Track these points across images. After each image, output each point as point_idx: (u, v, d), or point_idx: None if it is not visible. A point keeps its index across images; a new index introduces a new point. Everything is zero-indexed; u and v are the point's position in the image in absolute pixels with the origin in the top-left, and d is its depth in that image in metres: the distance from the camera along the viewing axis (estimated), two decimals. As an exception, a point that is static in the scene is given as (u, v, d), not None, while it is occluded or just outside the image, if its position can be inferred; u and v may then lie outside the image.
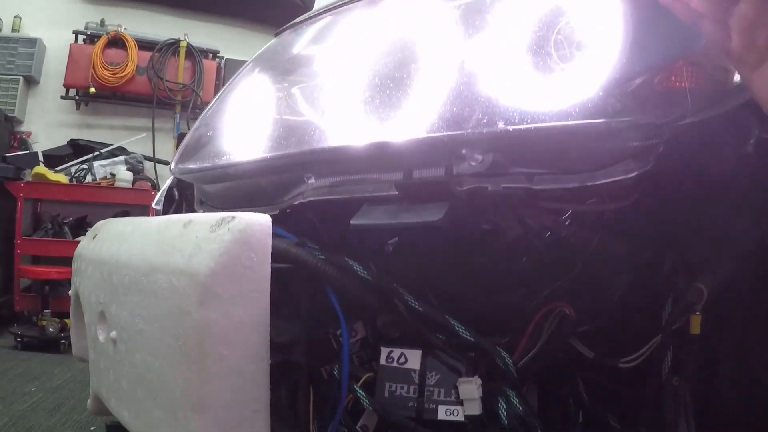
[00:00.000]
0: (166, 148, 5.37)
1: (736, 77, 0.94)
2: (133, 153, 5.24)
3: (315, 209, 1.17)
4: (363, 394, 1.07)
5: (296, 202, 1.12)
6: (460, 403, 1.09)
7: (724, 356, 1.25)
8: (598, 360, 1.20)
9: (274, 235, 1.01)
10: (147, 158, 5.29)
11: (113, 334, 1.19)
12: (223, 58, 5.78)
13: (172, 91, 5.43)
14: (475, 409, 1.08)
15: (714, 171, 1.00)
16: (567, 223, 1.37)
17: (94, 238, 1.48)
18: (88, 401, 1.48)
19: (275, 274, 0.98)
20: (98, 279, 1.30)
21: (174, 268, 0.98)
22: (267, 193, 1.19)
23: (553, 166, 0.98)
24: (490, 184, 0.98)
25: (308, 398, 1.10)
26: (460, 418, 1.09)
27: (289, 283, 1.08)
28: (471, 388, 1.07)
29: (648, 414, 1.30)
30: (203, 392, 0.94)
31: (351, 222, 1.00)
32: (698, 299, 1.15)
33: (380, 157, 1.04)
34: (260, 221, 0.95)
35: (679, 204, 1.12)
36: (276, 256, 1.00)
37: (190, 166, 1.36)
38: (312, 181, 1.12)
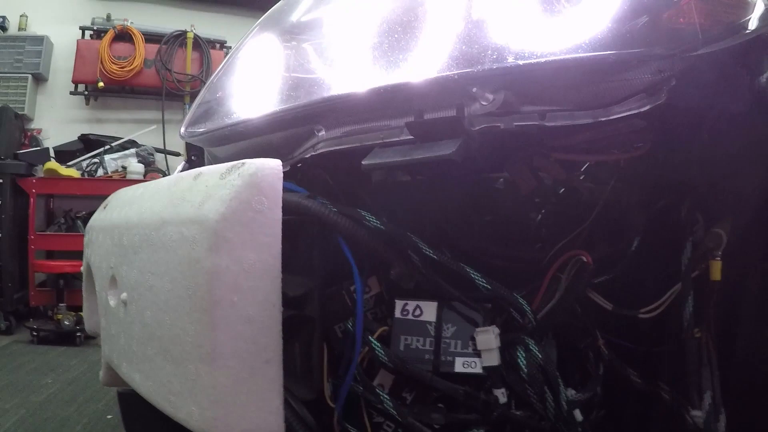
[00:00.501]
0: (176, 139, 5.34)
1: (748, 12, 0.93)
2: (144, 145, 5.24)
3: (326, 163, 1.15)
4: (378, 345, 1.05)
5: (307, 155, 1.10)
6: (477, 354, 1.07)
7: (745, 304, 1.22)
8: (617, 312, 1.18)
9: (285, 189, 1.00)
10: (158, 150, 5.29)
11: (124, 296, 1.17)
12: (230, 47, 5.76)
13: (181, 83, 5.42)
14: (493, 359, 1.06)
15: (728, 107, 0.98)
16: (582, 177, 1.36)
17: (105, 208, 1.47)
18: (100, 372, 1.47)
19: (286, 227, 0.97)
20: (109, 245, 1.29)
21: (184, 219, 0.97)
22: (277, 150, 1.17)
23: (565, 103, 0.96)
24: (503, 122, 0.96)
25: (322, 354, 1.08)
26: (478, 369, 1.07)
27: (301, 236, 1.06)
28: (489, 338, 1.05)
29: (668, 367, 1.28)
30: (214, 342, 0.92)
31: (363, 162, 0.97)
32: (717, 244, 1.14)
33: (390, 101, 1.02)
34: (271, 165, 0.93)
35: (694, 148, 1.10)
36: (287, 208, 0.99)
37: (200, 129, 1.35)
38: (322, 133, 1.10)
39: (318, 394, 1.09)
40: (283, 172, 0.98)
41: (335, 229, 1.04)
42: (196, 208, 0.94)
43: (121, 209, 1.29)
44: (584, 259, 1.12)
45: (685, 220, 1.15)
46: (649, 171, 1.21)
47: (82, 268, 1.62)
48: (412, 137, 0.99)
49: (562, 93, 0.97)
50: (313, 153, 1.09)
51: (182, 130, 1.42)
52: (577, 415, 1.15)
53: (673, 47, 0.89)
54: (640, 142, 1.11)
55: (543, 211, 1.32)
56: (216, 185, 0.94)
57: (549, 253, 1.17)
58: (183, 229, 0.96)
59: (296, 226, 1.03)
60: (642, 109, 0.93)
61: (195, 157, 1.62)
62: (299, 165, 1.12)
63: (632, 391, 1.30)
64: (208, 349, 0.92)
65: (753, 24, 0.91)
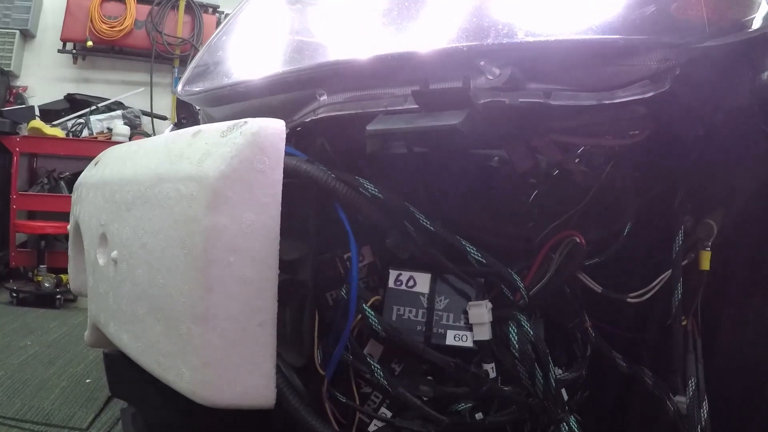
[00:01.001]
0: (163, 102, 5.30)
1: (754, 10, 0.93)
2: (131, 107, 5.18)
3: (325, 130, 1.14)
4: (372, 313, 1.05)
5: (308, 119, 1.09)
6: (469, 328, 1.08)
7: (732, 295, 1.24)
8: (605, 294, 1.19)
9: (285, 153, 0.99)
10: (145, 113, 5.22)
11: (114, 254, 1.16)
12: (222, 12, 5.68)
13: (171, 46, 5.35)
14: (484, 334, 1.06)
15: (728, 102, 0.98)
16: (577, 160, 1.36)
17: (96, 164, 1.45)
18: (86, 333, 1.46)
19: (283, 191, 0.96)
20: (100, 202, 1.27)
21: (182, 176, 0.95)
22: (277, 113, 1.16)
23: (570, 84, 0.97)
24: (508, 98, 0.95)
25: (313, 321, 1.07)
26: (469, 343, 1.07)
27: (298, 201, 1.05)
28: (481, 312, 1.05)
29: (652, 354, 1.29)
30: (207, 302, 0.91)
31: (368, 128, 0.97)
32: (708, 235, 1.15)
33: (396, 69, 1.01)
34: (274, 125, 0.92)
35: (692, 139, 1.11)
36: (286, 171, 0.98)
37: (198, 87, 1.33)
38: (324, 98, 1.09)
39: (308, 361, 1.08)
40: (282, 136, 0.97)
41: (333, 194, 1.03)
42: (195, 165, 0.93)
43: (113, 166, 1.27)
44: (578, 239, 1.12)
45: (677, 209, 1.16)
46: (645, 159, 1.21)
47: (69, 227, 1.61)
48: (415, 107, 0.98)
49: (568, 74, 0.97)
50: (314, 117, 1.08)
51: (179, 88, 1.40)
52: (563, 394, 1.16)
53: (680, 37, 0.90)
54: (639, 130, 1.12)
55: (536, 191, 1.33)
56: (216, 143, 0.93)
57: (542, 232, 1.18)
58: (180, 186, 0.94)
59: (293, 190, 1.02)
60: (645, 95, 0.93)
61: (185, 120, 1.61)
62: (298, 129, 1.11)
63: (615, 375, 1.31)
64: (201, 309, 0.91)
65: (758, 22, 0.92)
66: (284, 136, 0.93)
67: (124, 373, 1.29)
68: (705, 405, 1.15)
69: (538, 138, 1.16)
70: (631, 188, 1.20)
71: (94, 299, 1.33)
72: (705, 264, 1.16)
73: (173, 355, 0.98)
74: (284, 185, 0.96)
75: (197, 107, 1.46)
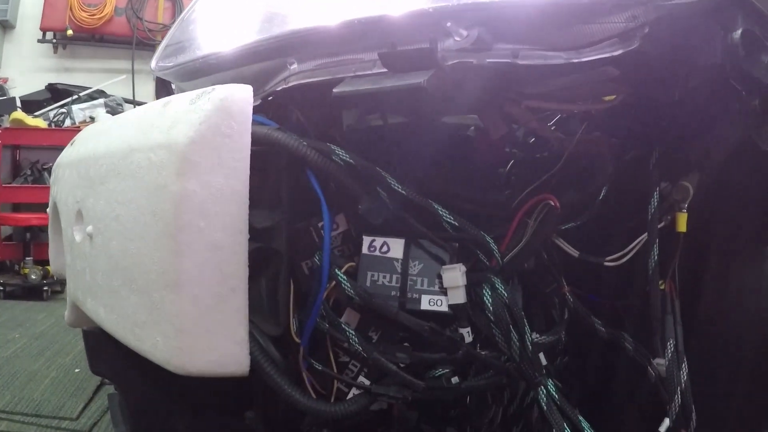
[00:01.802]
0: (146, 89, 5.27)
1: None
2: (113, 95, 5.15)
3: (298, 100, 1.14)
4: (344, 278, 1.05)
5: (278, 88, 1.08)
6: (444, 292, 1.08)
7: (710, 256, 1.25)
8: (583, 258, 1.20)
9: (255, 122, 0.99)
10: (127, 100, 5.21)
11: (89, 228, 1.16)
12: (202, -5, 5.65)
13: (152, 32, 5.33)
14: (459, 297, 1.06)
15: (699, 60, 0.99)
16: (552, 128, 1.37)
17: (72, 144, 1.44)
18: (65, 313, 1.45)
19: (254, 159, 0.96)
20: (75, 179, 1.27)
21: (152, 144, 0.95)
22: (250, 84, 1.16)
23: (538, 44, 0.96)
24: (475, 58, 0.95)
25: (288, 289, 1.07)
26: (444, 308, 1.07)
27: (270, 169, 1.05)
28: (455, 276, 1.05)
29: (632, 320, 1.30)
30: (179, 268, 0.91)
31: (334, 90, 0.96)
32: (684, 197, 1.15)
33: (364, 34, 1.01)
34: (241, 90, 0.92)
35: (666, 103, 1.11)
36: (257, 139, 0.98)
37: (170, 63, 1.32)
38: (294, 66, 1.09)
39: (284, 330, 1.08)
40: (254, 107, 0.97)
41: (304, 161, 1.03)
42: (165, 133, 0.93)
43: (88, 143, 1.27)
44: (552, 203, 1.12)
45: (652, 172, 1.16)
46: (620, 123, 1.22)
47: (48, 209, 1.60)
48: (384, 71, 0.98)
49: (535, 33, 0.97)
50: (285, 86, 1.08)
51: (153, 63, 1.39)
52: (542, 358, 1.16)
53: None
54: (613, 94, 1.12)
55: (512, 160, 1.33)
56: (185, 110, 0.93)
57: (518, 197, 1.18)
58: (151, 154, 0.94)
59: (265, 158, 1.02)
60: (614, 53, 0.93)
61: None
62: (270, 98, 1.11)
63: (596, 341, 1.32)
64: (173, 276, 0.91)
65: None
66: (251, 101, 0.93)
67: (103, 350, 1.30)
68: (684, 367, 1.16)
69: (511, 105, 1.16)
70: (606, 153, 1.21)
71: (72, 277, 1.33)
72: (682, 226, 1.17)
73: (148, 325, 0.98)
74: (256, 154, 0.96)
75: (172, 84, 1.45)
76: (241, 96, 0.92)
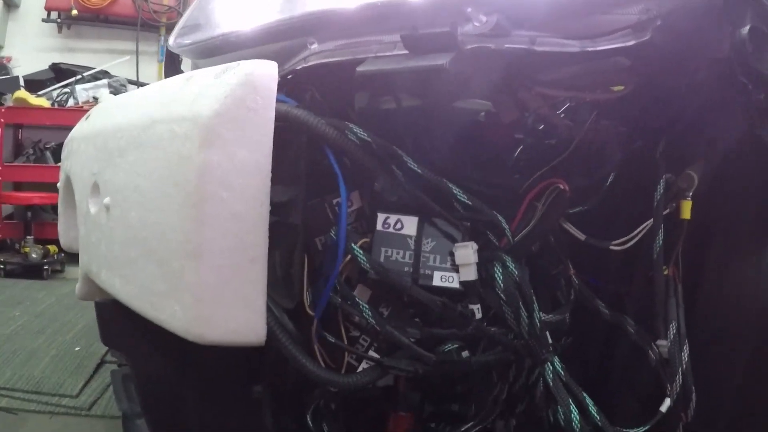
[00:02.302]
0: (150, 71, 5.28)
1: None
2: (117, 76, 5.14)
3: (316, 79, 1.16)
4: (360, 251, 1.07)
5: (298, 67, 1.10)
6: (455, 269, 1.10)
7: (713, 244, 1.27)
8: (589, 242, 1.22)
9: (276, 101, 1.01)
10: (131, 81, 5.19)
11: (107, 200, 1.17)
12: (209, -22, 5.63)
13: (157, 13, 5.31)
14: (470, 274, 1.09)
15: (708, 54, 1.01)
16: (562, 115, 1.39)
17: (87, 119, 1.46)
18: (77, 285, 1.47)
19: (274, 135, 0.97)
20: (92, 152, 1.29)
21: (175, 116, 0.97)
22: (268, 63, 1.18)
23: (555, 31, 0.99)
24: (494, 43, 0.98)
25: (303, 262, 1.10)
26: (456, 284, 1.10)
27: (288, 145, 1.07)
28: (467, 253, 1.08)
29: (635, 303, 1.33)
30: (200, 238, 0.93)
31: (357, 69, 0.99)
32: (689, 185, 1.18)
33: (385, 16, 1.03)
34: (266, 66, 0.94)
35: (674, 94, 1.14)
36: (277, 116, 0.99)
37: (190, 39, 1.34)
38: (315, 46, 1.11)
39: (297, 303, 1.11)
40: (274, 82, 0.99)
41: (322, 138, 1.05)
42: (188, 106, 0.95)
43: (105, 117, 1.29)
44: (561, 186, 1.15)
45: (659, 161, 1.19)
46: (628, 113, 1.24)
47: (59, 183, 1.61)
48: (404, 53, 1.01)
49: (553, 22, 1.00)
50: (305, 65, 1.09)
51: (171, 40, 1.41)
52: (548, 337, 1.19)
53: None
54: (623, 84, 1.15)
55: (522, 146, 1.35)
56: (210, 84, 0.95)
57: (528, 181, 1.20)
58: (174, 126, 0.96)
59: (284, 135, 1.04)
60: (627, 44, 0.96)
61: None
62: (289, 77, 1.13)
63: (599, 323, 1.35)
64: (194, 245, 0.93)
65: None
66: (276, 77, 0.94)
67: (115, 322, 1.31)
68: (686, 349, 1.19)
69: (524, 91, 1.18)
70: (615, 141, 1.23)
71: (86, 250, 1.35)
72: (686, 213, 1.19)
73: (166, 294, 1.00)
74: (275, 129, 0.98)
75: (189, 59, 1.47)
76: (267, 72, 0.94)
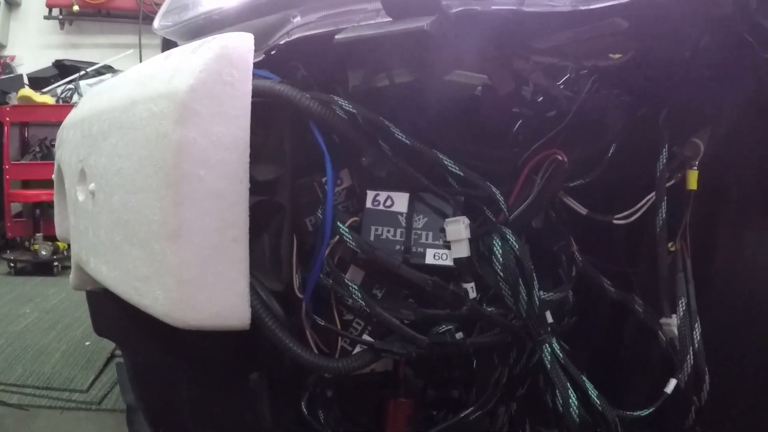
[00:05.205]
0: (153, 65, 5.26)
1: None
2: (120, 70, 5.10)
3: (301, 54, 1.12)
4: (347, 231, 1.03)
5: (282, 42, 1.06)
6: (448, 246, 1.06)
7: (722, 215, 1.23)
8: (591, 216, 1.18)
9: (257, 76, 0.97)
10: (135, 76, 5.18)
11: (92, 186, 1.15)
12: (211, -29, 5.61)
13: (158, 6, 5.26)
14: (462, 251, 1.05)
15: (710, 11, 0.97)
16: (561, 86, 1.35)
17: (77, 106, 1.43)
18: (70, 276, 1.45)
19: (257, 113, 0.94)
20: (78, 138, 1.26)
21: (153, 95, 0.94)
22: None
23: None
24: (480, 5, 0.93)
25: (291, 244, 1.06)
26: (449, 262, 1.06)
27: (272, 122, 1.03)
28: (458, 228, 1.04)
29: (642, 281, 1.29)
30: (179, 219, 0.90)
31: (336, 37, 0.95)
32: (695, 154, 1.13)
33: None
34: (241, 38, 0.91)
35: (677, 60, 1.09)
36: (259, 92, 0.96)
37: (170, 21, 1.31)
38: (297, 19, 1.07)
39: (287, 286, 1.07)
40: (258, 62, 0.95)
41: (307, 113, 1.01)
42: (166, 83, 0.92)
43: (91, 102, 1.26)
44: (560, 157, 1.11)
45: (661, 128, 1.14)
46: (630, 80, 1.20)
47: (53, 175, 1.59)
48: (386, 20, 0.96)
49: (543, -20, 0.95)
50: (288, 39, 1.06)
51: (155, 23, 1.38)
52: (548, 317, 1.15)
53: None
54: (622, 52, 1.10)
55: (521, 120, 1.31)
56: (186, 60, 0.92)
57: (526, 152, 1.16)
58: (152, 105, 0.93)
59: (268, 111, 1.00)
60: (622, 0, 0.91)
61: None
62: (273, 52, 1.09)
63: (604, 303, 1.31)
64: (174, 226, 0.90)
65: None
66: (252, 48, 0.91)
67: (106, 311, 1.29)
68: (698, 327, 1.14)
69: (519, 60, 1.14)
70: (615, 109, 1.19)
71: (76, 238, 1.32)
72: (692, 184, 1.15)
73: (149, 279, 0.97)
74: (259, 106, 0.94)
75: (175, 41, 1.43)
76: (242, 44, 0.91)
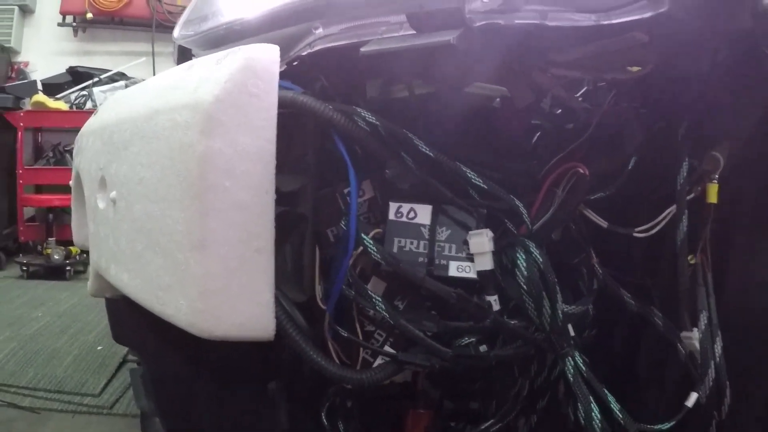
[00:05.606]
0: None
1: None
2: (133, 78, 5.14)
3: (324, 68, 1.12)
4: (371, 242, 1.03)
5: (304, 53, 1.07)
6: (471, 259, 1.06)
7: (741, 229, 1.22)
8: (611, 229, 1.17)
9: (280, 87, 0.97)
10: (147, 83, 5.20)
11: (113, 194, 1.15)
12: (223, -22, 5.63)
13: (171, 14, 5.30)
14: (486, 263, 1.04)
15: (729, 26, 0.96)
16: (580, 99, 1.34)
17: (96, 114, 1.44)
18: (88, 282, 1.45)
19: (280, 124, 0.94)
20: (98, 146, 1.26)
21: (176, 105, 0.94)
22: (274, 50, 1.14)
23: (567, 5, 0.95)
24: (503, 19, 0.93)
25: (313, 254, 1.06)
26: (472, 274, 1.06)
27: (295, 133, 1.04)
28: (482, 241, 1.04)
29: (662, 294, 1.28)
30: (204, 229, 0.90)
31: (361, 50, 0.95)
32: (715, 167, 1.13)
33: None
34: (267, 49, 0.91)
35: (694, 73, 1.09)
36: (283, 103, 0.96)
37: (192, 31, 1.31)
38: (320, 30, 1.07)
39: (309, 297, 1.07)
40: (279, 72, 0.95)
41: (330, 124, 1.01)
42: (190, 94, 0.92)
43: (112, 109, 1.26)
44: (581, 170, 1.10)
45: (681, 142, 1.14)
46: (648, 93, 1.19)
47: (71, 182, 1.60)
48: (411, 33, 0.96)
49: (566, -5, 0.95)
50: (310, 50, 1.06)
51: (175, 32, 1.38)
52: (570, 330, 1.14)
53: None
54: (642, 65, 1.10)
55: (539, 131, 1.31)
56: (210, 70, 0.92)
57: (545, 167, 1.16)
58: (176, 115, 0.93)
59: (291, 122, 1.00)
60: (644, 15, 0.91)
61: None
62: (295, 63, 1.09)
63: (624, 315, 1.30)
64: (198, 237, 0.90)
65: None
66: (278, 60, 0.91)
67: (126, 319, 1.29)
68: (719, 341, 1.14)
69: (539, 73, 1.14)
70: (635, 123, 1.18)
71: (95, 246, 1.32)
72: (712, 197, 1.15)
73: (172, 288, 0.97)
74: (281, 117, 0.94)
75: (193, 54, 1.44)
76: (268, 55, 0.91)
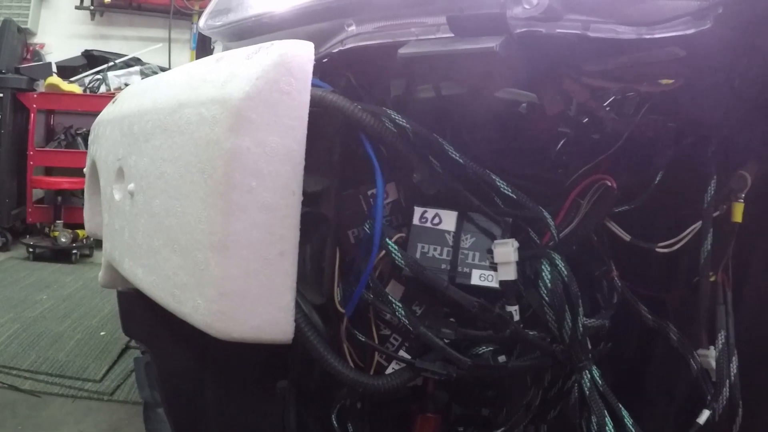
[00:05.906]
0: (182, 59, 5.23)
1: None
2: (149, 64, 5.14)
3: (352, 64, 1.10)
4: (395, 247, 1.01)
5: (335, 50, 1.05)
6: (495, 268, 1.04)
7: (763, 249, 1.21)
8: (634, 243, 1.16)
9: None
10: (163, 69, 5.17)
11: (131, 186, 1.13)
12: (243, -36, 5.62)
13: (190, 1, 5.29)
14: (509, 273, 1.03)
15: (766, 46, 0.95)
16: (608, 108, 1.33)
17: (114, 103, 1.42)
18: (100, 273, 1.44)
19: (308, 121, 0.92)
20: (117, 136, 1.24)
21: (204, 99, 0.92)
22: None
23: (610, 17, 0.92)
24: (545, 27, 0.91)
25: (334, 256, 1.04)
26: (495, 283, 1.04)
27: (322, 132, 1.02)
28: (507, 251, 1.02)
29: (679, 310, 1.27)
30: (227, 229, 0.88)
31: (399, 51, 0.92)
32: (742, 186, 1.12)
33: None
34: (302, 46, 0.88)
35: (725, 90, 1.07)
36: (311, 100, 0.94)
37: (221, 20, 1.29)
38: (353, 28, 1.05)
39: (327, 299, 1.06)
40: (308, 67, 0.93)
41: (359, 125, 0.99)
42: (218, 88, 0.90)
43: (132, 100, 1.24)
44: (609, 183, 1.09)
45: (710, 160, 1.12)
46: (678, 107, 1.18)
47: (85, 169, 1.58)
48: (448, 36, 0.94)
49: (608, 6, 0.93)
50: (341, 48, 1.04)
51: (201, 22, 1.36)
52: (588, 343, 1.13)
53: None
54: (674, 78, 1.08)
55: (565, 139, 1.29)
56: (241, 65, 0.89)
57: (571, 177, 1.14)
58: (202, 109, 0.91)
59: (318, 121, 0.98)
60: (686, 32, 0.89)
61: None
62: (325, 61, 1.07)
63: (639, 329, 1.28)
64: (220, 237, 0.88)
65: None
66: (312, 58, 0.89)
67: (138, 313, 1.27)
68: (735, 360, 1.12)
69: (570, 81, 1.12)
70: (664, 137, 1.17)
71: (109, 237, 1.31)
72: (737, 216, 1.13)
73: (189, 287, 0.95)
74: (309, 114, 0.92)
75: (213, 45, 1.42)
76: (302, 52, 0.88)
